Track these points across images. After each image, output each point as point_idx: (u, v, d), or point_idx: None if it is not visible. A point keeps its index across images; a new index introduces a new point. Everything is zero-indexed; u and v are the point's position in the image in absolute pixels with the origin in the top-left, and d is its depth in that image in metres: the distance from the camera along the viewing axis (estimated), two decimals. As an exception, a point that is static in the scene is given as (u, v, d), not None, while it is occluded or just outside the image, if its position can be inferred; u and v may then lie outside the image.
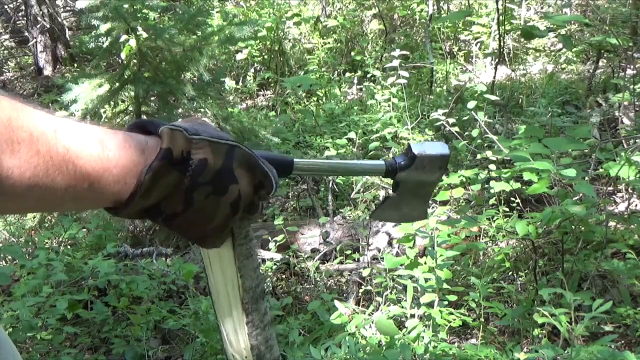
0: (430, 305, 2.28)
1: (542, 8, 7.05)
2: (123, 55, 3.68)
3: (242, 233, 0.95)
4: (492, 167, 3.16)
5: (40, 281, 2.52)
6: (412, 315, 2.31)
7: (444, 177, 3.54)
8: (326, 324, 2.52)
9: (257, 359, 0.95)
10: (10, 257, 3.43)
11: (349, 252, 3.30)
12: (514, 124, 4.46)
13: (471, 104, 3.78)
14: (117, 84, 3.68)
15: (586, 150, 3.44)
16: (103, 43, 3.76)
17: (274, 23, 6.78)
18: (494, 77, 4.57)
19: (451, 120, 3.87)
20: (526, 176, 2.38)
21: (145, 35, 3.62)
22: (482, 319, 2.37)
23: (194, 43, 3.76)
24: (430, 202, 1.12)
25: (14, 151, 0.50)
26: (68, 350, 2.48)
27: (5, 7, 9.41)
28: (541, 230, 2.73)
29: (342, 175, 1.01)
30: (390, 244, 3.26)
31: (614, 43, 3.95)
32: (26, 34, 8.70)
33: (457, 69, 6.07)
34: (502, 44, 4.72)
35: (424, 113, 4.62)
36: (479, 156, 3.39)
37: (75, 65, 8.26)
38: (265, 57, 7.04)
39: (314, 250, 3.37)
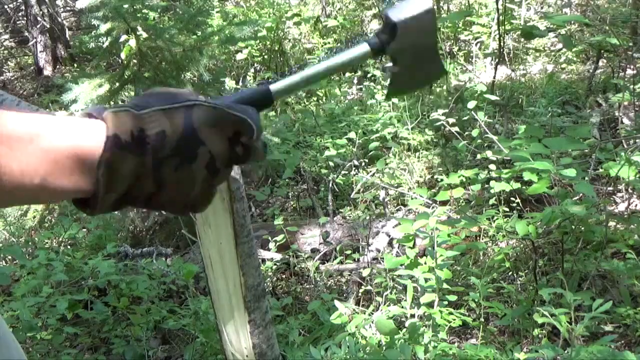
0: (430, 305, 2.28)
1: (542, 8, 7.05)
2: (123, 55, 3.67)
3: (244, 231, 0.95)
4: (492, 167, 3.16)
5: (40, 281, 2.52)
6: (412, 315, 2.31)
7: (444, 177, 3.54)
8: (326, 324, 2.52)
9: (258, 358, 0.94)
10: (10, 257, 3.43)
11: (349, 252, 3.30)
12: (514, 124, 4.45)
13: (471, 104, 3.78)
14: (117, 84, 3.68)
15: (586, 150, 3.44)
16: (103, 43, 3.76)
17: (274, 23, 6.78)
18: (494, 77, 4.57)
19: (451, 120, 3.87)
20: (526, 176, 2.38)
21: (145, 35, 3.62)
22: (482, 319, 2.37)
23: (194, 43, 3.76)
24: (439, 57, 0.94)
25: None
26: (68, 350, 2.48)
27: (5, 7, 9.41)
28: (541, 230, 2.73)
29: (330, 76, 0.87)
30: (390, 244, 3.26)
31: (614, 43, 3.95)
32: (26, 34, 8.70)
33: (457, 69, 6.07)
34: (502, 44, 4.72)
35: (424, 113, 4.61)
36: (479, 156, 3.39)
37: (75, 65, 8.26)
38: (265, 57, 7.04)
39: (314, 250, 3.37)
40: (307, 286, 3.13)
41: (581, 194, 2.82)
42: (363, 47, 0.84)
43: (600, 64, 5.37)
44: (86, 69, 6.39)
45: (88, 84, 3.63)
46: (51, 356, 2.42)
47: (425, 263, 2.39)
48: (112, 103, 4.07)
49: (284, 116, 5.67)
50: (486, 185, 3.15)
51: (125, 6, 3.52)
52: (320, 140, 4.83)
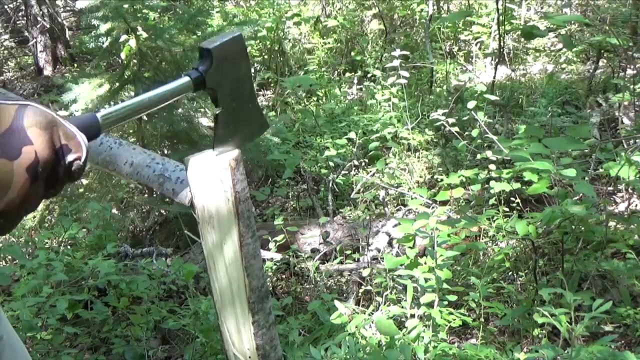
0: (430, 305, 2.28)
1: (542, 8, 7.05)
2: (123, 55, 3.67)
3: (249, 232, 0.94)
4: (492, 167, 3.16)
5: (40, 281, 2.52)
6: (412, 315, 2.31)
7: (444, 177, 3.54)
8: (326, 324, 2.52)
9: (261, 359, 0.94)
10: (10, 257, 3.43)
11: (349, 252, 3.30)
12: (514, 124, 4.46)
13: (471, 104, 3.78)
14: (117, 84, 3.68)
15: (586, 150, 3.44)
16: (103, 43, 3.76)
17: (274, 23, 6.78)
18: (494, 77, 4.57)
19: (451, 120, 3.87)
20: (526, 176, 2.38)
21: (145, 35, 3.62)
22: (482, 319, 2.37)
23: (194, 43, 3.76)
24: (259, 104, 1.02)
25: None
26: (68, 350, 2.48)
27: (5, 7, 9.41)
28: (541, 230, 2.73)
29: (154, 107, 0.89)
30: (390, 244, 3.26)
31: (614, 43, 3.95)
32: (26, 34, 8.70)
33: (457, 69, 6.07)
34: (502, 44, 4.72)
35: (424, 113, 4.62)
36: (479, 156, 3.39)
37: (75, 65, 8.26)
38: (265, 57, 7.04)
39: (314, 250, 3.37)
40: (307, 286, 3.13)
41: (581, 194, 2.82)
42: (184, 79, 0.88)
43: (600, 64, 5.37)
44: (86, 69, 6.39)
45: (88, 84, 3.63)
46: (51, 356, 2.42)
47: (425, 263, 2.39)
48: (112, 103, 4.07)
49: (284, 116, 5.67)
50: (486, 185, 3.15)
51: (125, 6, 3.52)
52: (320, 140, 4.83)
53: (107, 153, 1.11)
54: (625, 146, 3.39)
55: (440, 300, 2.27)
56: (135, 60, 3.69)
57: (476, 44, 5.99)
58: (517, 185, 2.80)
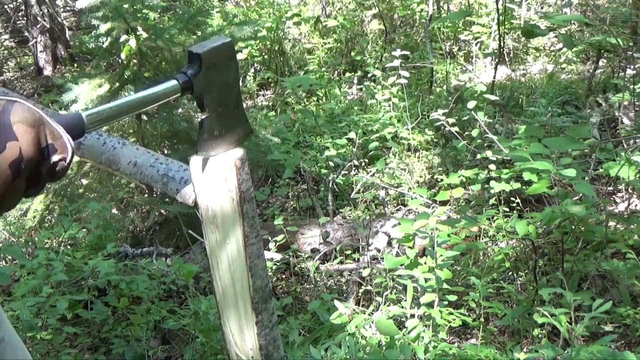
0: (430, 305, 2.28)
1: (542, 8, 7.05)
2: (123, 55, 3.67)
3: (253, 232, 0.94)
4: (492, 167, 3.16)
5: (40, 281, 2.52)
6: (412, 315, 2.31)
7: (444, 177, 3.54)
8: (326, 324, 2.52)
9: (265, 359, 0.94)
10: (10, 257, 3.43)
11: (349, 252, 3.30)
12: (514, 124, 4.46)
13: (471, 104, 3.78)
14: (117, 84, 3.68)
15: (586, 150, 3.44)
16: (103, 43, 3.76)
17: (274, 23, 6.77)
18: (494, 77, 4.57)
19: (451, 120, 3.87)
20: (526, 176, 2.38)
21: (145, 35, 3.62)
22: (482, 319, 2.37)
23: (194, 43, 3.75)
24: (244, 111, 1.01)
25: None
26: (68, 350, 2.48)
27: (5, 7, 9.41)
28: (541, 230, 2.73)
29: (139, 110, 0.88)
30: (390, 244, 3.26)
31: (614, 43, 3.95)
32: (26, 34, 8.70)
33: (457, 69, 6.07)
34: (502, 44, 4.72)
35: (424, 113, 4.62)
36: (479, 156, 3.39)
37: (75, 65, 8.26)
38: (265, 57, 7.04)
39: (314, 250, 3.37)
40: (307, 286, 3.13)
41: (581, 194, 2.82)
42: (171, 83, 0.88)
43: (600, 64, 5.37)
44: (86, 69, 6.40)
45: (88, 84, 3.63)
46: (51, 356, 2.42)
47: (425, 263, 2.39)
48: (112, 103, 4.06)
49: (284, 116, 5.67)
50: (486, 185, 3.15)
51: (125, 6, 3.52)
52: (320, 140, 4.83)
53: (110, 153, 1.11)
54: (625, 146, 3.39)
55: (440, 300, 2.27)
56: (135, 60, 3.69)
57: (476, 44, 5.99)
58: (517, 185, 2.80)
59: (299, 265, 3.27)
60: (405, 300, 2.36)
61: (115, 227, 3.77)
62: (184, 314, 2.64)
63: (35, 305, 2.43)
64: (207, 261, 1.02)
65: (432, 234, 2.38)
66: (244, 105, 6.89)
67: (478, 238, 3.02)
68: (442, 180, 3.67)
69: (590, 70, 5.31)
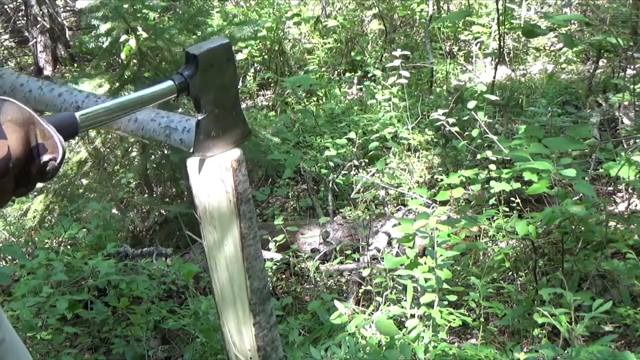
0: (430, 305, 2.28)
1: (542, 8, 7.05)
2: (123, 55, 3.67)
3: (251, 234, 0.94)
4: (492, 167, 3.16)
5: (40, 281, 2.52)
6: (412, 315, 2.31)
7: (444, 177, 3.54)
8: (326, 324, 2.52)
9: (263, 360, 0.94)
10: (10, 257, 3.43)
11: (349, 252, 3.30)
12: (514, 124, 4.46)
13: (471, 104, 3.78)
14: (117, 84, 3.68)
15: (586, 150, 3.44)
16: (103, 43, 3.76)
17: (274, 23, 6.77)
18: (494, 77, 4.57)
19: (451, 120, 3.87)
20: (526, 176, 2.38)
21: (145, 35, 3.62)
22: (482, 319, 2.37)
23: (194, 43, 3.75)
24: (242, 112, 1.00)
25: None
26: (68, 350, 2.48)
27: (5, 7, 9.41)
28: (541, 230, 2.73)
29: (134, 110, 0.88)
30: (390, 244, 3.26)
31: (614, 43, 3.95)
32: (26, 34, 8.70)
33: (457, 69, 6.07)
34: (502, 44, 4.72)
35: (424, 113, 4.61)
36: (479, 156, 3.39)
37: (75, 65, 8.26)
38: (265, 57, 7.04)
39: (314, 250, 3.37)
40: (307, 286, 3.13)
41: (581, 194, 2.82)
42: (167, 84, 0.87)
43: (600, 64, 5.37)
44: (86, 69, 6.39)
45: (88, 84, 3.63)
46: (51, 356, 2.42)
47: (425, 263, 2.39)
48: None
49: (284, 116, 5.67)
50: (486, 185, 3.15)
51: (125, 6, 3.52)
52: (320, 140, 4.83)
53: None
54: (625, 146, 3.39)
55: (440, 300, 2.27)
56: (135, 60, 3.69)
57: (476, 44, 5.99)
58: (517, 185, 2.80)
59: (299, 265, 3.27)
60: (405, 300, 2.36)
61: (115, 227, 3.77)
62: (184, 314, 2.64)
63: (35, 305, 2.43)
64: (206, 261, 1.02)
65: (432, 234, 2.38)
66: (244, 105, 6.90)
67: (478, 238, 3.02)
68: (442, 180, 3.67)
69: (590, 70, 5.31)
